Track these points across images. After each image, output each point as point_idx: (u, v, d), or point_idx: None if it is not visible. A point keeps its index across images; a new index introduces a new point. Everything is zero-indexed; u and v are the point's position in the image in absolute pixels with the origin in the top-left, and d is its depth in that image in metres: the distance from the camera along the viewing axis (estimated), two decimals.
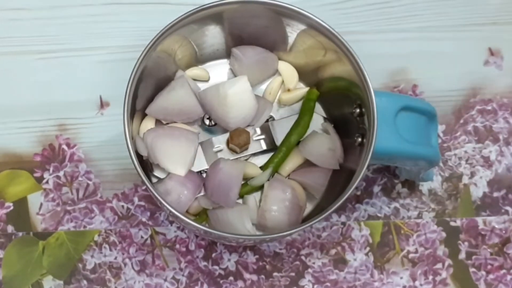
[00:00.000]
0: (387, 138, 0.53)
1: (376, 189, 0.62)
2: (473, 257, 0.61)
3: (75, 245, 0.60)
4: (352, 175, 0.52)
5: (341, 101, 0.57)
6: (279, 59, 0.59)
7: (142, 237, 0.60)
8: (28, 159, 0.62)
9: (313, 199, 0.58)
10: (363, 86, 0.53)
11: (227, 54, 0.60)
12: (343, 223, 0.61)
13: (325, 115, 0.59)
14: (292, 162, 0.58)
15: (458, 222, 0.61)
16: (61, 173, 0.61)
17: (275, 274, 0.60)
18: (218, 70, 0.60)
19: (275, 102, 0.60)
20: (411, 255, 0.61)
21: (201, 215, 0.57)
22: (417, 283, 0.60)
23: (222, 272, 0.60)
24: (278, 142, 0.58)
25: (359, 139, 0.54)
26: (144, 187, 0.61)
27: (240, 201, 0.57)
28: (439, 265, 0.61)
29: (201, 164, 0.57)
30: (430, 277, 0.60)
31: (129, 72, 0.52)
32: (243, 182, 0.56)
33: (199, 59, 0.60)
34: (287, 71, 0.59)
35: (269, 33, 0.58)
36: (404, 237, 0.61)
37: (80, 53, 0.64)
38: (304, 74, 0.60)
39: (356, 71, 0.53)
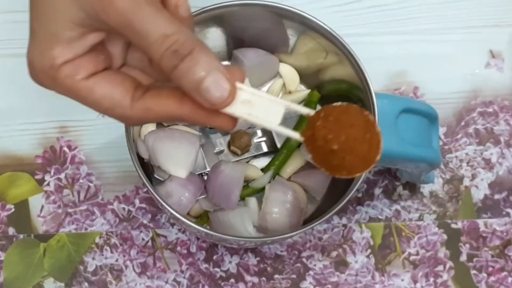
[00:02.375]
0: (388, 140, 0.52)
1: (377, 191, 0.62)
2: (474, 259, 0.61)
3: (76, 247, 0.60)
4: (353, 178, 0.52)
5: None
6: (280, 61, 0.59)
7: (143, 239, 0.60)
8: (29, 161, 0.62)
9: (314, 201, 0.58)
10: (364, 88, 0.53)
11: (228, 57, 0.60)
12: (344, 225, 0.61)
13: None
14: (293, 165, 0.58)
15: (459, 224, 0.61)
16: (62, 175, 0.61)
17: (276, 276, 0.60)
18: None
19: None
20: (412, 257, 0.61)
21: (202, 217, 0.57)
22: (418, 285, 0.60)
23: (223, 274, 0.60)
24: (279, 144, 0.58)
25: None
26: (145, 189, 0.61)
27: (241, 203, 0.57)
28: (440, 267, 0.60)
29: (202, 166, 0.57)
30: (431, 279, 0.60)
31: None
32: (244, 184, 0.56)
33: None
34: (288, 74, 0.59)
35: (270, 36, 0.58)
36: (405, 239, 0.61)
37: None
38: (305, 76, 0.60)
39: (357, 73, 0.53)
